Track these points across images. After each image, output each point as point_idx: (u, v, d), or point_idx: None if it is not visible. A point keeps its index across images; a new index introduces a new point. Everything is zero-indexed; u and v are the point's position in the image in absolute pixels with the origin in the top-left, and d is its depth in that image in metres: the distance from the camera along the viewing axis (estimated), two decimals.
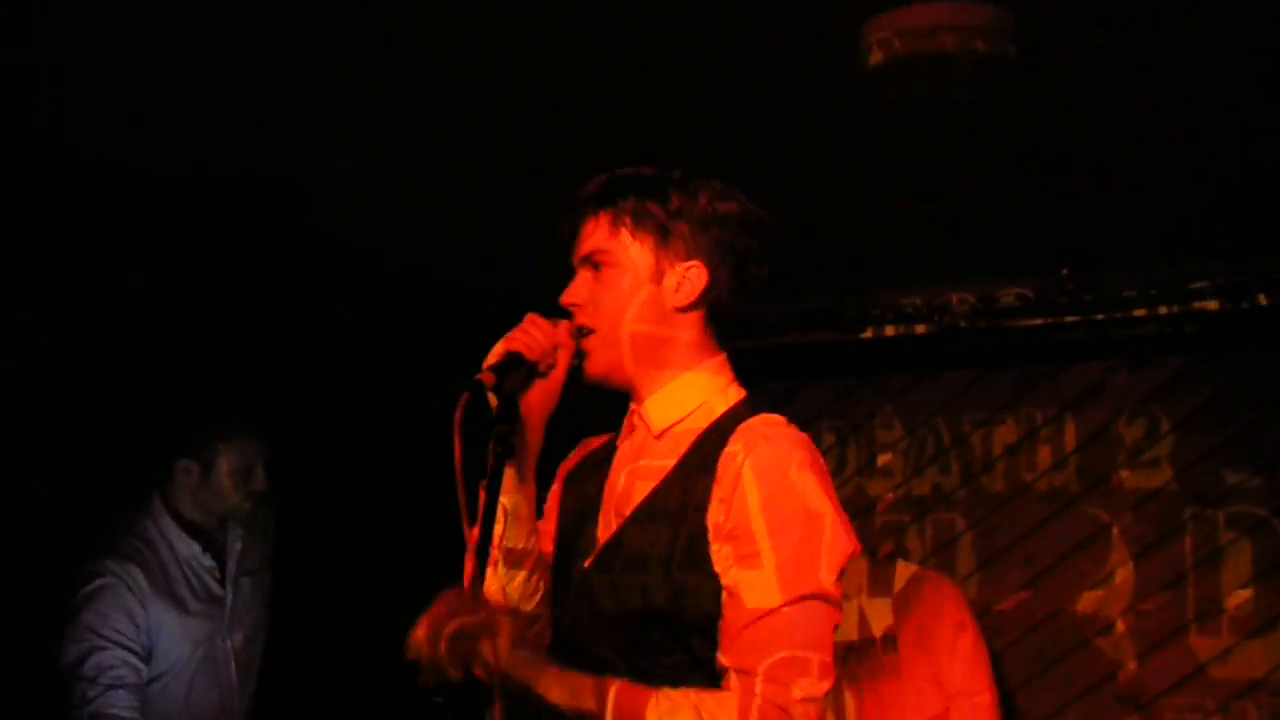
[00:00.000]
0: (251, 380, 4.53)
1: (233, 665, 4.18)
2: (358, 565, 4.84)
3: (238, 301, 4.66)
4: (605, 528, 2.41)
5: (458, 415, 2.18)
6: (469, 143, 4.15)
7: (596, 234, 2.45)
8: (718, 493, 2.27)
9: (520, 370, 2.32)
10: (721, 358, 2.50)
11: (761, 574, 2.21)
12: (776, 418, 2.40)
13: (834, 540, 2.25)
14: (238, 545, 4.25)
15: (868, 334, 5.51)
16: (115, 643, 3.94)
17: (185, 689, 4.09)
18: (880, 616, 4.44)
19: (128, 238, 4.31)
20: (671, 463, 2.37)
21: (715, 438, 2.35)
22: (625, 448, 2.49)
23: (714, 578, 2.25)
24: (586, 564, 2.39)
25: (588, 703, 2.20)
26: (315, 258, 4.87)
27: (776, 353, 5.62)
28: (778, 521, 2.23)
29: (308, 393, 4.80)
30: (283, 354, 4.75)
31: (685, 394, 2.43)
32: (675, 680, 2.24)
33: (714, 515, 2.27)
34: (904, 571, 4.58)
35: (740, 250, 2.47)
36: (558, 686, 2.21)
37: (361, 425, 5.01)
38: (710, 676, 2.25)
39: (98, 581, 3.98)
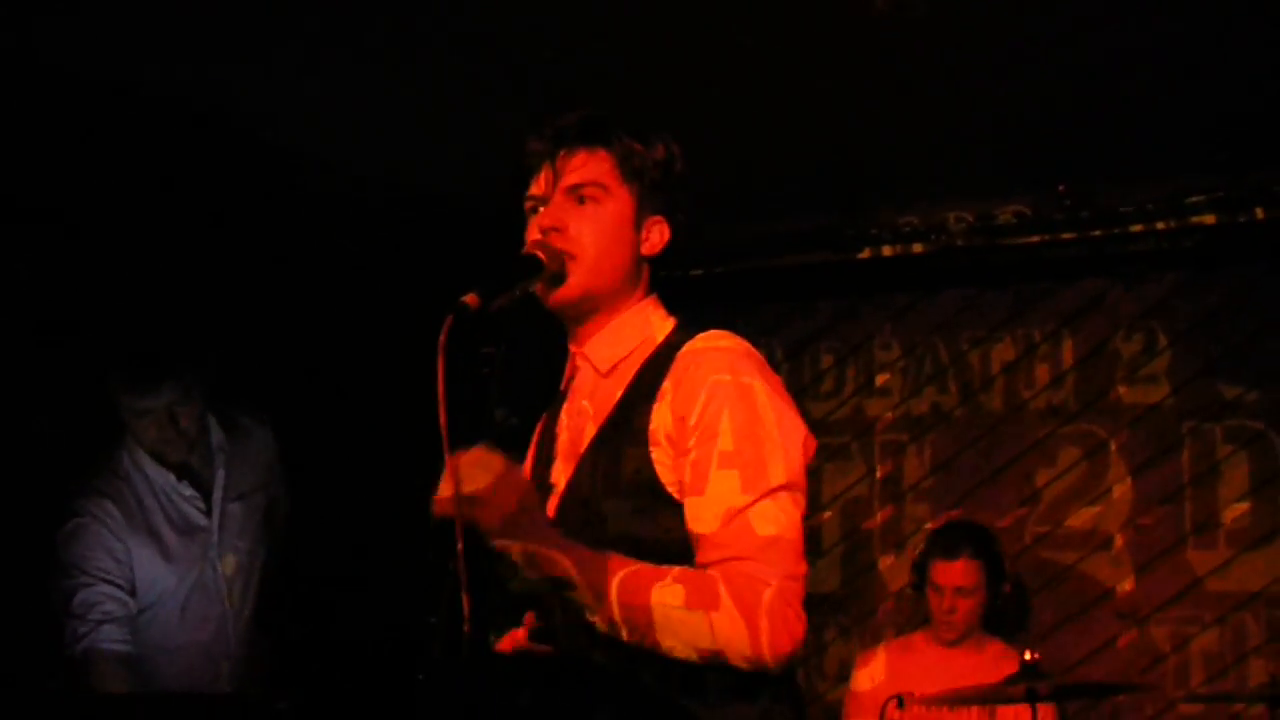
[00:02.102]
0: (211, 311, 4.52)
1: (225, 591, 4.19)
2: (343, 489, 4.84)
3: (201, 228, 4.64)
4: (562, 472, 2.47)
5: (441, 339, 2.20)
6: (445, 59, 4.13)
7: (591, 166, 2.47)
8: (671, 412, 2.33)
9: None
10: (654, 296, 2.56)
11: (726, 477, 2.26)
12: (716, 333, 2.44)
13: (787, 434, 2.31)
14: (221, 473, 4.23)
15: (865, 254, 5.50)
16: (99, 579, 3.97)
17: (177, 617, 4.10)
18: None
19: (84, 161, 4.29)
20: (619, 394, 2.43)
21: (659, 364, 2.41)
22: (572, 390, 2.54)
23: (676, 501, 2.30)
24: (550, 510, 2.42)
25: (595, 576, 2.22)
26: (277, 178, 4.82)
27: (774, 274, 5.63)
28: (733, 427, 2.28)
29: (284, 321, 4.80)
30: (246, 281, 4.74)
31: (627, 331, 2.49)
32: None
33: (668, 434, 2.32)
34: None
35: (688, 210, 2.55)
36: (566, 557, 2.22)
37: (341, 348, 5.01)
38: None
39: (75, 521, 4.01)
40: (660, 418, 2.33)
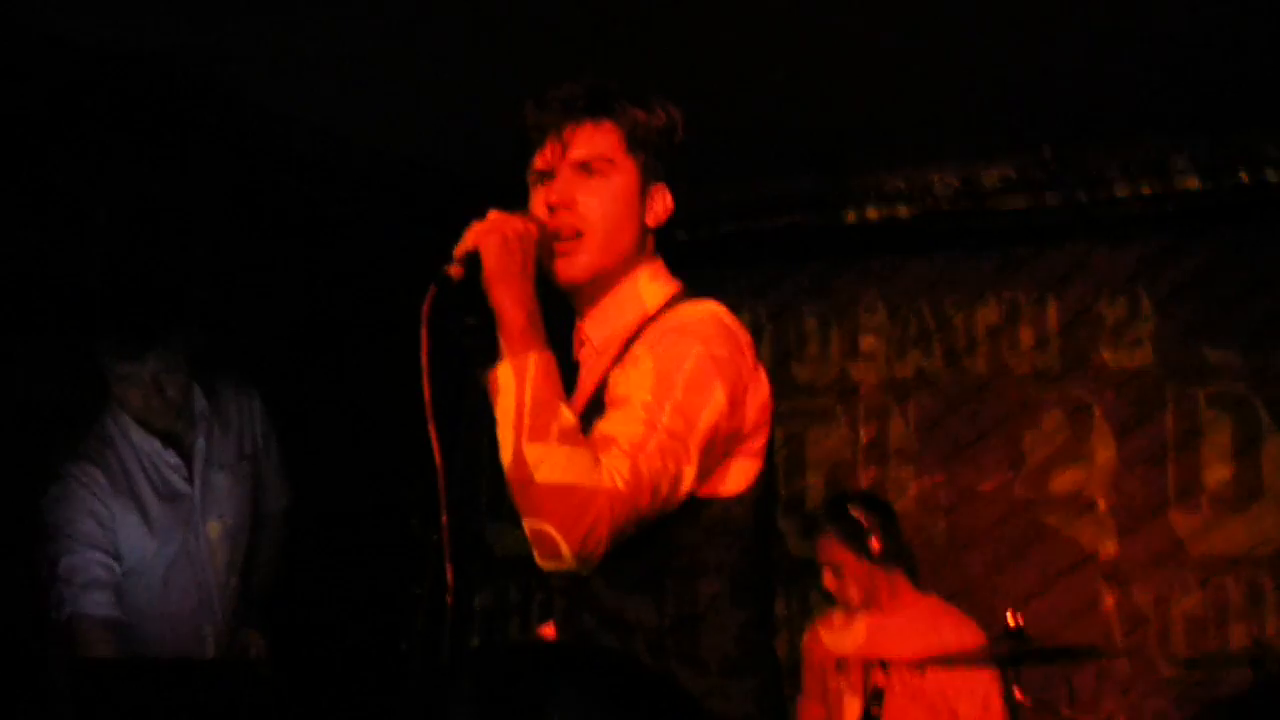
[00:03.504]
0: (199, 279, 4.49)
1: (209, 559, 4.18)
2: (332, 459, 4.82)
3: (191, 195, 4.61)
4: None
5: (424, 310, 2.19)
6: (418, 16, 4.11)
7: (597, 140, 2.45)
8: (619, 371, 2.33)
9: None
10: (660, 262, 2.54)
11: (627, 408, 2.24)
12: (699, 303, 2.43)
13: (694, 398, 2.25)
14: (202, 441, 4.21)
15: (850, 217, 5.49)
16: (84, 543, 3.97)
17: (160, 584, 4.09)
18: (918, 640, 4.54)
19: (70, 126, 4.26)
20: (602, 372, 2.42)
21: (641, 332, 2.40)
22: (580, 366, 2.53)
23: None
24: None
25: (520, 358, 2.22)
26: (266, 143, 4.79)
27: (758, 236, 5.62)
28: (658, 375, 2.26)
29: (273, 289, 4.77)
30: (236, 249, 4.71)
31: (622, 305, 2.47)
32: (687, 574, 2.30)
33: (611, 389, 2.31)
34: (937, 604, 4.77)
35: (683, 178, 2.53)
36: (519, 338, 2.23)
37: (332, 317, 4.99)
38: (716, 564, 2.31)
39: (60, 485, 4.00)
40: (613, 383, 2.33)
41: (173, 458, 4.15)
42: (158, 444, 4.13)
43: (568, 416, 2.19)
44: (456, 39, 4.27)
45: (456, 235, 2.32)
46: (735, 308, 4.79)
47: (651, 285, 2.48)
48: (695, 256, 2.58)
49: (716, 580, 2.31)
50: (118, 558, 4.02)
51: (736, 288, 5.68)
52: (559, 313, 2.48)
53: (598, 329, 2.48)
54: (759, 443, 2.38)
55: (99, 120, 4.33)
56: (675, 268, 2.55)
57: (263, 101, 4.69)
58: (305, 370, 4.83)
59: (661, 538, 2.26)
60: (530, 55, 4.26)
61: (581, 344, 2.52)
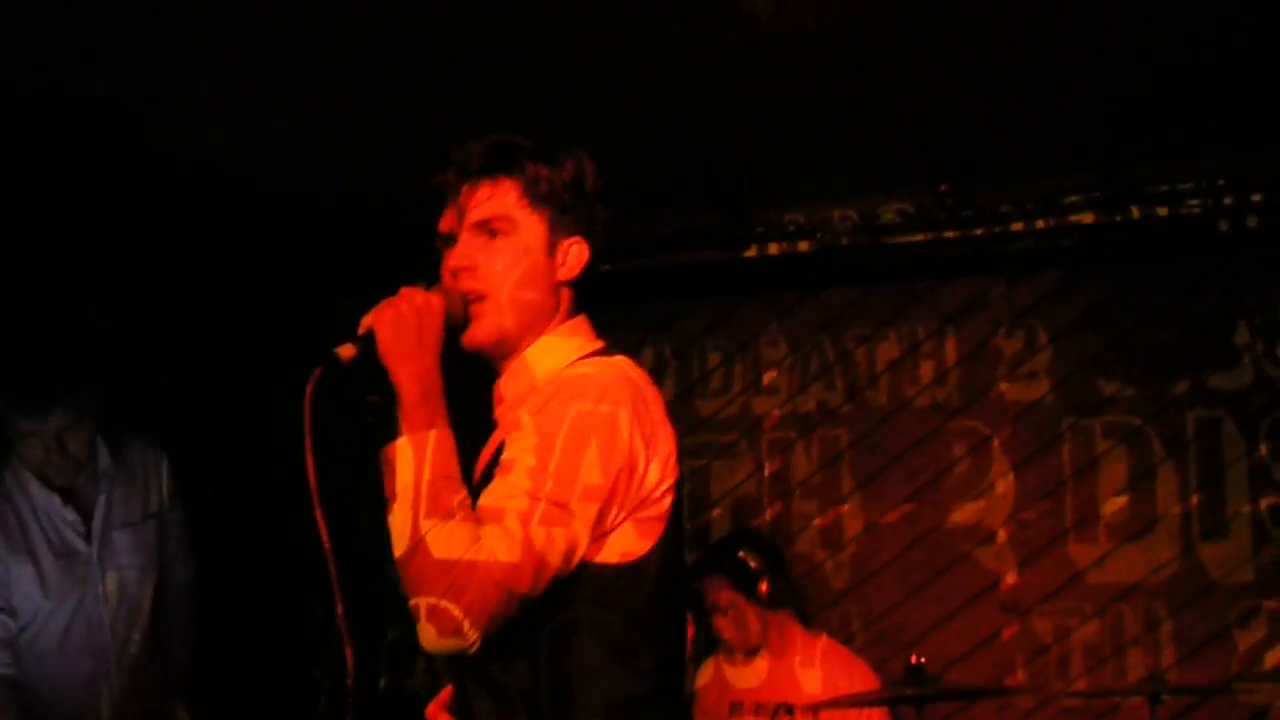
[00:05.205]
0: (106, 336, 4.40)
1: (107, 620, 4.09)
2: (239, 519, 4.74)
3: (104, 251, 4.52)
4: None
5: (309, 391, 2.17)
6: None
7: (496, 200, 2.42)
8: (509, 434, 2.29)
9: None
10: (581, 318, 2.50)
11: (513, 475, 2.21)
12: (598, 360, 2.39)
13: (589, 470, 2.22)
14: (103, 499, 4.14)
15: (751, 252, 5.52)
16: None
17: (56, 641, 4.02)
18: (812, 683, 4.56)
19: None
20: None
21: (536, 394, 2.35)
22: (498, 421, 2.47)
23: None
24: None
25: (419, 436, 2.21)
26: (155, 178, 4.70)
27: (661, 272, 5.63)
28: (540, 439, 2.22)
29: (182, 346, 4.68)
30: (145, 305, 4.62)
31: (535, 363, 2.43)
32: (563, 639, 2.25)
33: (505, 453, 2.27)
34: (828, 645, 4.73)
35: (606, 224, 2.50)
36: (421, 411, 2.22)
37: (240, 375, 4.91)
38: (594, 629, 2.25)
39: None
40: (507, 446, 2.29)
41: (71, 514, 4.08)
42: (57, 500, 4.06)
43: (464, 494, 2.18)
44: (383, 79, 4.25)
45: (381, 287, 2.31)
46: (639, 343, 4.81)
47: (563, 343, 2.44)
48: (600, 291, 2.55)
49: (596, 645, 2.25)
50: (13, 615, 3.94)
51: (640, 323, 5.69)
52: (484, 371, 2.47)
53: (509, 387, 2.45)
54: (663, 505, 2.32)
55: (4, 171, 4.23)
56: (580, 303, 2.51)
57: (177, 150, 4.62)
58: (214, 433, 4.72)
59: (543, 602, 2.21)
60: (435, 100, 4.26)
61: (499, 402, 2.47)
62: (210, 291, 4.90)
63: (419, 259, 2.51)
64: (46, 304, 4.38)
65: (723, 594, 4.65)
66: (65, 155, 4.37)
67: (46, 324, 4.33)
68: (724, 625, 4.66)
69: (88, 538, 4.09)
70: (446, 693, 2.41)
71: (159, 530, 4.25)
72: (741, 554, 4.70)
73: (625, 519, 2.28)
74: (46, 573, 4.01)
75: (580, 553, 2.22)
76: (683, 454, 2.41)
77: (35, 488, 4.05)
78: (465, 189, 2.43)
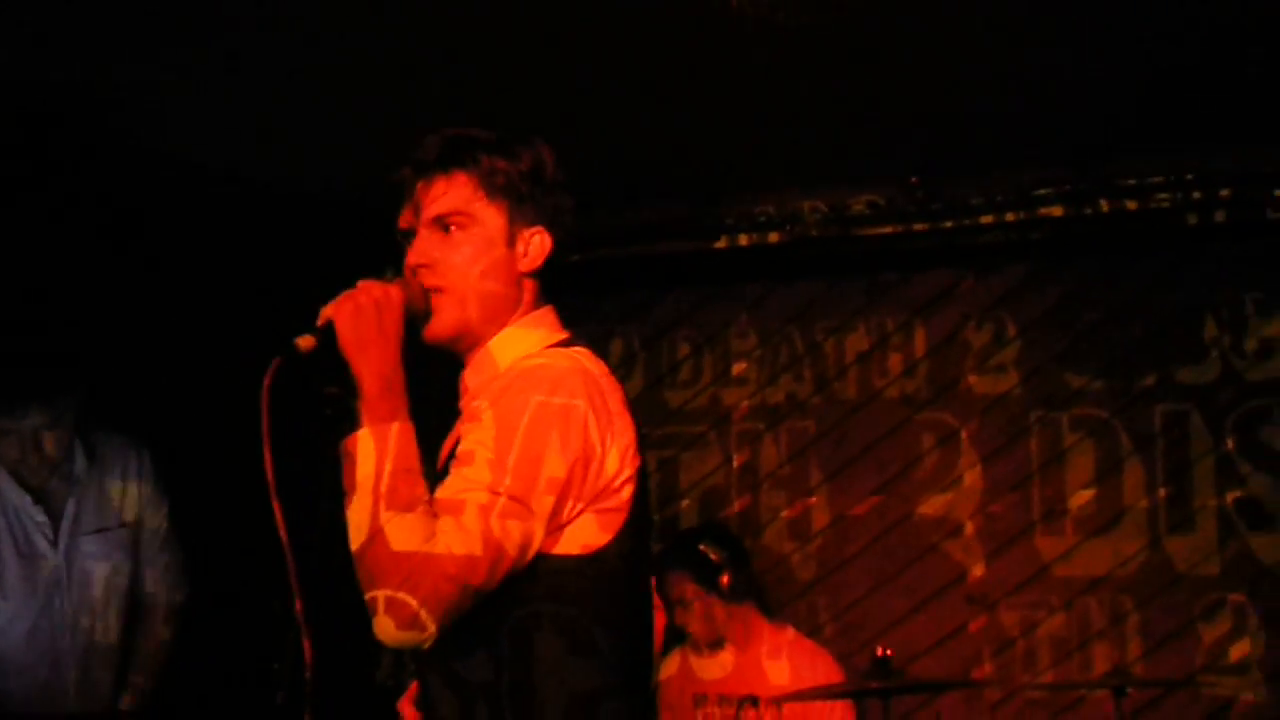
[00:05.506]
0: (89, 333, 4.33)
1: (71, 625, 4.04)
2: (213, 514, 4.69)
3: (87, 247, 4.45)
4: None
5: (266, 382, 2.15)
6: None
7: (451, 194, 2.40)
8: (468, 425, 2.28)
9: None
10: (547, 309, 2.49)
11: (471, 467, 2.20)
12: (556, 352, 2.37)
13: (550, 462, 2.21)
14: (72, 504, 4.09)
15: (721, 243, 5.51)
16: None
17: (20, 640, 3.95)
18: (777, 675, 4.55)
19: None
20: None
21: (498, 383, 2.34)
22: (462, 412, 2.45)
23: None
24: None
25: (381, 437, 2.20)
26: (152, 183, 4.66)
27: (631, 262, 5.62)
28: (498, 431, 2.21)
29: (164, 343, 4.60)
30: (128, 301, 4.55)
31: (498, 354, 2.42)
32: (523, 633, 2.23)
33: (462, 445, 2.26)
34: (792, 637, 4.71)
35: (570, 213, 2.48)
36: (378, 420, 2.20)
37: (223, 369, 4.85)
38: (554, 622, 2.24)
39: None
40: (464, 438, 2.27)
41: (40, 515, 4.03)
42: (28, 500, 4.01)
43: (424, 487, 2.17)
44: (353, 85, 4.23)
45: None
46: (607, 334, 4.79)
47: (527, 334, 2.43)
48: (570, 281, 2.53)
49: (555, 638, 2.24)
50: None
51: (609, 313, 5.68)
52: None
53: (473, 378, 2.43)
54: (623, 496, 2.30)
55: None
56: (550, 292, 2.49)
57: (158, 143, 4.58)
58: (195, 432, 4.64)
59: (502, 595, 2.20)
60: (409, 91, 4.24)
61: (464, 394, 2.46)
62: (192, 289, 4.84)
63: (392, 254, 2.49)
64: (29, 301, 4.31)
65: (684, 587, 4.64)
66: (47, 152, 4.31)
67: (28, 322, 4.26)
68: (687, 618, 4.65)
69: (54, 542, 4.04)
70: (414, 687, 2.40)
71: (133, 538, 4.19)
72: (702, 547, 4.69)
73: (584, 510, 2.26)
74: (8, 575, 3.96)
75: (536, 545, 2.21)
76: (651, 445, 2.41)
77: (7, 485, 4.00)
78: (420, 185, 2.42)
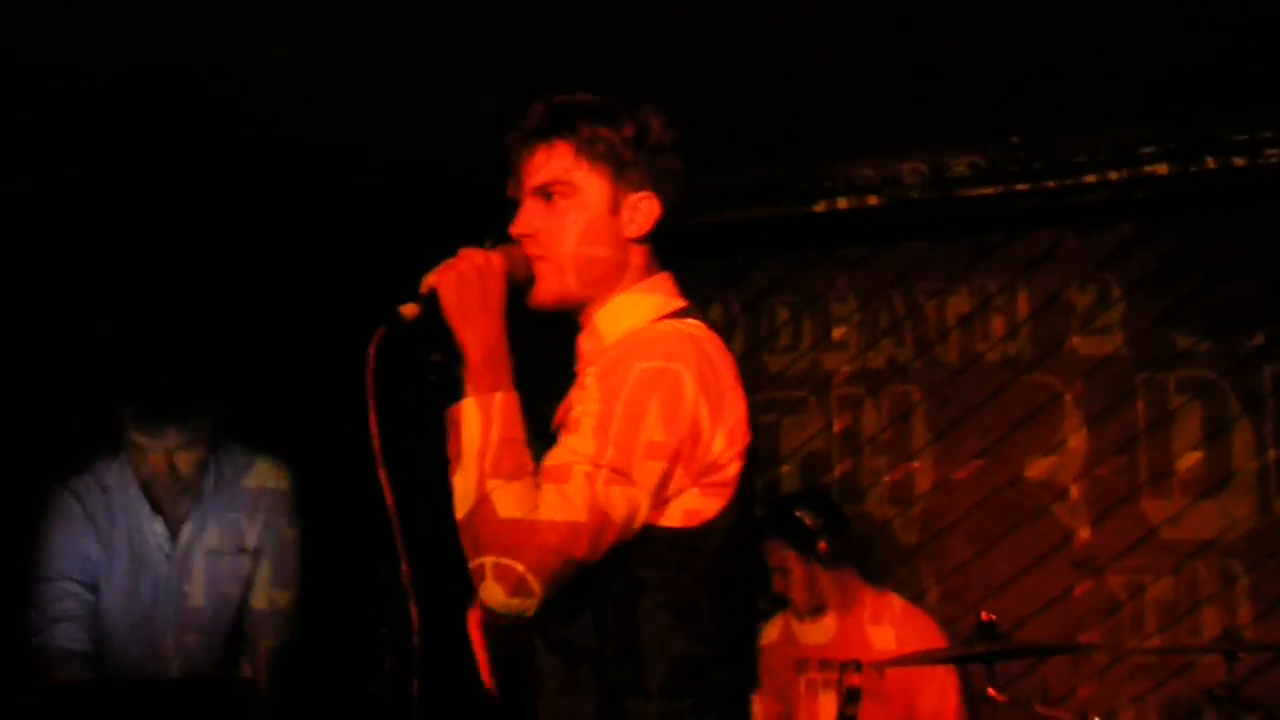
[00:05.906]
0: (229, 353, 4.33)
1: (177, 627, 4.11)
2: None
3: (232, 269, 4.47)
4: None
5: (371, 350, 2.18)
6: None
7: (552, 163, 2.41)
8: (577, 393, 2.30)
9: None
10: (663, 275, 2.48)
11: (576, 436, 2.22)
12: (669, 322, 2.37)
13: (650, 431, 2.21)
14: (189, 526, 4.15)
15: (820, 207, 5.48)
16: (63, 574, 3.96)
17: (124, 635, 4.03)
18: (880, 640, 4.54)
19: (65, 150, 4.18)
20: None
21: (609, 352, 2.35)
22: (578, 376, 2.47)
23: None
24: None
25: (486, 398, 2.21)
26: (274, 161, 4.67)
27: (729, 228, 5.59)
28: (603, 402, 2.22)
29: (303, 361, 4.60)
30: (268, 321, 4.54)
31: (611, 321, 2.42)
32: (629, 599, 2.25)
33: (571, 412, 2.28)
34: (895, 602, 4.69)
35: (680, 176, 2.47)
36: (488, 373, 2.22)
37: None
38: (659, 589, 2.25)
39: (49, 515, 3.98)
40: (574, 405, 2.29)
41: (161, 528, 4.10)
42: (148, 510, 4.08)
43: (528, 456, 2.19)
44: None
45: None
46: (707, 300, 4.77)
47: (641, 300, 2.43)
48: (668, 248, 2.52)
49: (660, 606, 2.25)
50: (94, 591, 3.98)
51: (708, 279, 5.67)
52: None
53: (586, 344, 2.45)
54: (729, 472, 2.30)
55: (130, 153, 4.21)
56: (664, 258, 2.48)
57: (303, 130, 4.59)
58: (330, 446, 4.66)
59: (608, 563, 2.21)
60: (509, 59, 4.25)
61: (579, 358, 2.48)
62: (303, 287, 4.85)
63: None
64: (182, 316, 4.33)
65: (783, 554, 4.64)
66: (193, 154, 4.35)
67: (178, 339, 4.28)
68: (786, 585, 4.65)
69: (169, 555, 4.11)
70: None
71: (251, 565, 4.22)
72: (799, 513, 4.68)
73: (690, 485, 2.27)
74: (120, 574, 4.04)
75: (642, 516, 2.22)
76: (751, 411, 2.39)
77: (135, 491, 4.08)
78: (524, 154, 2.44)
